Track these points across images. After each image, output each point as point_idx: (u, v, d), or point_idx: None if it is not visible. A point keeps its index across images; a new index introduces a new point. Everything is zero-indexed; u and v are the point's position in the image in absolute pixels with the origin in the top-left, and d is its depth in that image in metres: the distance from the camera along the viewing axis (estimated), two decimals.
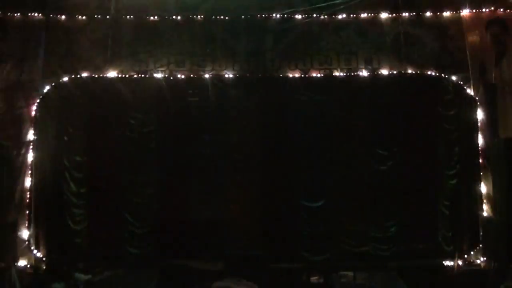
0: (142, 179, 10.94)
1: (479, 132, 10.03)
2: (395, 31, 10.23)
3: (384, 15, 10.27)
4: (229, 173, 11.02)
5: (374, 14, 10.24)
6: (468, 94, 10.15)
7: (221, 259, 10.19)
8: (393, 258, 10.48)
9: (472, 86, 10.12)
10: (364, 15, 10.23)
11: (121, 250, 10.74)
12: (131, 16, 10.24)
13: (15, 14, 10.13)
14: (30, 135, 10.03)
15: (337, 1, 10.03)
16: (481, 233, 9.93)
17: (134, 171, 10.95)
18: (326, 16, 10.22)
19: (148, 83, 10.42)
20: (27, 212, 9.91)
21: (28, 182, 9.93)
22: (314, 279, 10.16)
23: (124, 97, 10.58)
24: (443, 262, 10.11)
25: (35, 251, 9.92)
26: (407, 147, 10.77)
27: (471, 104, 10.13)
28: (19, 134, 9.98)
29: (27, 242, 9.88)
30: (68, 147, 10.72)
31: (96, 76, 10.24)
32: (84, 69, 10.18)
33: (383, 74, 10.24)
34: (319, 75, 10.33)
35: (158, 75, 10.29)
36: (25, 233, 9.84)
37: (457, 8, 10.20)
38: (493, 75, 10.07)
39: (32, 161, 10.01)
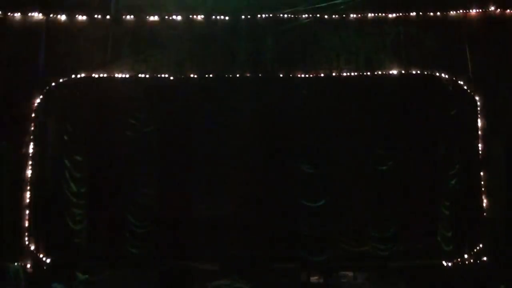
0: (142, 179, 10.95)
1: (479, 132, 10.02)
2: (395, 31, 10.22)
3: (384, 15, 10.26)
4: (229, 173, 11.03)
5: (374, 14, 10.23)
6: (468, 94, 10.14)
7: (221, 259, 10.20)
8: (393, 258, 10.49)
9: (472, 86, 10.10)
10: (364, 15, 10.22)
11: (121, 250, 10.75)
12: (131, 16, 10.23)
13: (15, 14, 10.12)
14: (30, 135, 10.00)
15: (337, 1, 10.02)
16: (481, 233, 9.92)
17: (134, 171, 10.96)
18: (326, 16, 10.20)
19: (148, 83, 10.41)
20: (27, 212, 9.89)
21: (28, 182, 9.91)
22: (314, 279, 10.16)
23: (124, 97, 10.59)
24: (443, 262, 10.10)
25: (35, 251, 9.90)
26: (407, 147, 10.78)
27: (471, 104, 10.12)
28: (19, 134, 9.96)
29: (27, 242, 9.87)
30: (68, 146, 10.72)
31: (96, 76, 10.23)
32: (84, 69, 10.16)
33: (383, 74, 10.23)
34: (319, 75, 10.31)
35: (158, 75, 10.27)
36: (25, 234, 9.81)
37: (457, 8, 10.19)
38: (493, 75, 10.06)
39: (32, 161, 9.99)
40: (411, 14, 10.23)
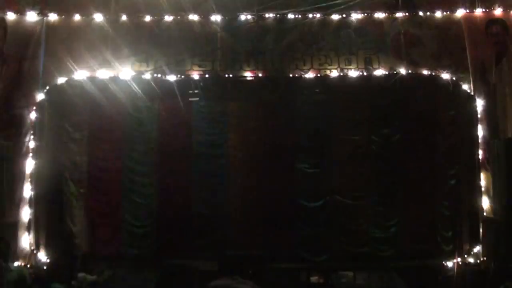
0: (142, 179, 10.96)
1: (479, 132, 10.02)
2: (395, 31, 10.22)
3: (384, 15, 10.25)
4: (229, 173, 11.03)
5: (374, 14, 10.23)
6: (468, 94, 10.14)
7: (221, 259, 10.19)
8: (393, 258, 10.50)
9: (472, 86, 10.10)
10: (364, 15, 10.22)
11: (121, 250, 10.76)
12: (131, 16, 10.22)
13: (15, 14, 10.11)
14: (30, 135, 10.00)
15: (337, 1, 10.01)
16: (481, 233, 9.92)
17: (133, 171, 10.96)
18: (326, 16, 10.20)
19: (148, 83, 10.40)
20: (27, 212, 9.88)
21: (28, 182, 9.90)
22: (314, 279, 10.15)
23: (124, 97, 10.58)
24: (443, 262, 10.11)
25: (35, 252, 9.90)
26: (406, 147, 10.78)
27: (471, 104, 10.12)
28: (19, 134, 9.95)
29: (27, 242, 9.86)
30: (68, 147, 10.73)
31: (96, 76, 10.22)
32: (84, 69, 10.16)
33: (383, 74, 10.23)
34: (319, 75, 10.31)
35: (158, 75, 10.27)
36: (25, 234, 9.80)
37: (457, 8, 10.18)
38: (493, 75, 10.05)
39: (32, 162, 9.98)
40: (411, 14, 10.22)
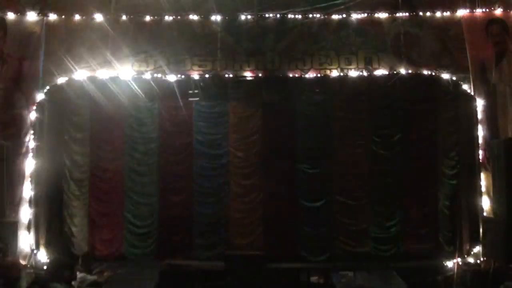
0: (143, 179, 10.96)
1: (479, 132, 10.02)
2: (395, 31, 10.21)
3: (384, 15, 10.25)
4: (229, 173, 11.03)
5: (374, 14, 10.22)
6: (468, 94, 10.14)
7: (221, 259, 10.20)
8: (393, 258, 10.49)
9: (472, 86, 10.10)
10: (364, 15, 10.21)
11: (122, 250, 10.76)
12: (131, 16, 10.22)
13: (15, 14, 10.11)
14: (30, 135, 10.00)
15: (337, 1, 10.01)
16: (481, 233, 9.92)
17: (134, 171, 10.97)
18: (326, 16, 10.20)
19: (148, 83, 10.41)
20: (28, 212, 9.88)
21: (28, 182, 9.90)
22: (314, 279, 10.15)
23: (124, 97, 10.58)
24: (443, 262, 10.11)
25: (35, 251, 9.90)
26: (407, 147, 10.79)
27: (471, 104, 10.12)
28: (19, 134, 9.95)
29: (27, 242, 9.86)
30: (68, 147, 10.73)
31: (96, 76, 10.22)
32: (84, 69, 10.16)
33: (383, 74, 10.23)
34: (319, 75, 10.32)
35: (158, 75, 10.27)
36: (25, 233, 9.80)
37: (457, 8, 10.18)
38: (493, 75, 10.05)
39: (32, 161, 9.98)
40: (411, 14, 10.22)
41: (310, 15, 10.20)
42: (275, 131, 10.99)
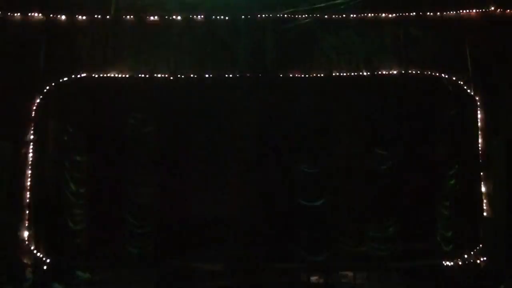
0: (142, 179, 10.95)
1: (479, 132, 10.02)
2: (395, 31, 10.22)
3: (384, 15, 10.26)
4: (229, 172, 11.02)
5: (374, 14, 10.23)
6: (468, 94, 10.14)
7: (221, 259, 10.20)
8: (393, 258, 10.48)
9: (472, 86, 10.10)
10: (364, 15, 10.22)
11: (121, 250, 10.75)
12: (131, 16, 10.22)
13: (15, 14, 10.11)
14: (30, 135, 10.00)
15: (337, 1, 10.02)
16: (481, 233, 9.92)
17: (134, 171, 10.96)
18: (326, 16, 10.20)
19: (148, 83, 10.41)
20: (27, 212, 9.89)
21: (28, 182, 9.91)
22: (314, 279, 10.16)
23: (124, 97, 10.58)
24: (443, 262, 10.11)
25: (35, 251, 9.90)
26: (406, 147, 10.78)
27: (471, 104, 10.13)
28: (19, 134, 9.96)
29: (27, 242, 9.87)
30: (68, 147, 10.73)
31: (96, 76, 10.23)
32: (84, 69, 10.16)
33: (383, 74, 10.23)
34: (319, 75, 10.31)
35: (158, 75, 10.27)
36: (25, 233, 9.81)
37: (457, 8, 10.19)
38: (493, 75, 10.05)
39: (32, 161, 9.99)
40: (411, 14, 10.22)
41: (310, 15, 10.21)
42: (275, 131, 10.98)
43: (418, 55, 10.20)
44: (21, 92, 10.03)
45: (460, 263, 10.01)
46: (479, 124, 10.03)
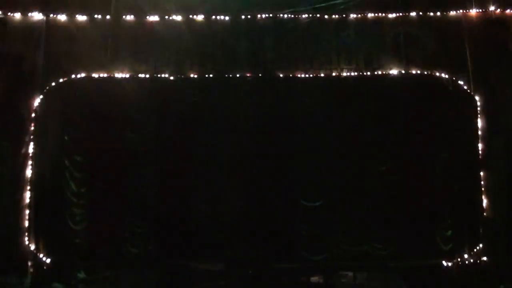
0: (142, 179, 10.94)
1: (479, 132, 10.02)
2: (395, 31, 10.22)
3: (384, 15, 10.26)
4: (229, 173, 11.02)
5: (374, 14, 10.23)
6: (467, 94, 10.14)
7: (221, 259, 10.19)
8: (393, 258, 10.47)
9: (471, 86, 10.11)
10: (364, 15, 10.22)
11: (121, 250, 10.75)
12: (131, 16, 10.23)
13: (15, 14, 10.12)
14: (30, 135, 10.00)
15: (337, 1, 10.02)
16: (481, 233, 9.92)
17: (134, 171, 10.95)
18: (326, 16, 10.20)
19: (148, 83, 10.40)
20: (27, 212, 9.89)
21: (28, 182, 9.90)
22: (314, 279, 10.16)
23: (124, 97, 10.57)
24: (443, 262, 10.11)
25: (35, 251, 9.90)
26: (406, 147, 10.78)
27: (470, 104, 10.12)
28: (19, 134, 9.96)
29: (27, 242, 9.87)
30: (68, 146, 10.73)
31: (96, 76, 10.23)
32: (84, 69, 10.16)
33: (383, 74, 10.23)
34: (319, 75, 10.30)
35: (158, 75, 10.27)
36: (25, 234, 9.81)
37: (457, 8, 10.19)
38: (492, 75, 10.06)
39: (32, 161, 9.99)
40: (411, 14, 10.23)
41: (310, 15, 10.21)
42: (274, 131, 10.98)
43: (418, 55, 10.21)
44: (21, 92, 10.02)
45: (460, 263, 10.01)
46: (479, 124, 10.03)
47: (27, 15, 10.12)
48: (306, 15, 10.23)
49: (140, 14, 10.23)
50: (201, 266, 10.23)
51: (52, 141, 10.41)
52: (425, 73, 10.19)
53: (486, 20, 10.16)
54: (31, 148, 10.00)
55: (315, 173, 10.86)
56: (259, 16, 10.29)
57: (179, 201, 10.95)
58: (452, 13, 10.22)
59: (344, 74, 10.32)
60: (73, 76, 10.17)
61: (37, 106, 10.10)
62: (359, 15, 10.22)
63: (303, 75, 10.32)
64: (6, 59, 10.03)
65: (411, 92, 10.58)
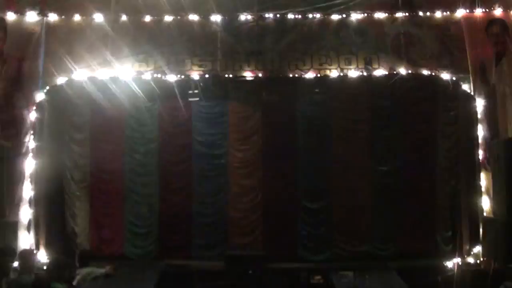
0: (143, 179, 10.97)
1: (479, 132, 10.02)
2: (395, 31, 10.21)
3: (384, 15, 10.25)
4: (229, 173, 11.03)
5: (374, 14, 10.22)
6: (468, 94, 10.14)
7: (221, 259, 10.21)
8: (393, 258, 10.49)
9: (472, 86, 10.10)
10: (364, 15, 10.21)
11: (122, 249, 10.77)
12: (131, 16, 10.21)
13: (15, 14, 10.11)
14: (30, 135, 10.00)
15: (337, 1, 10.01)
16: (481, 233, 9.92)
17: (134, 171, 10.97)
18: (326, 16, 10.19)
19: (148, 83, 10.40)
20: (28, 212, 9.88)
21: (28, 182, 9.90)
22: (314, 279, 10.15)
23: (124, 98, 10.57)
24: (443, 262, 10.11)
25: (35, 251, 9.90)
26: (406, 147, 10.79)
27: (471, 104, 10.12)
28: (19, 134, 9.95)
29: (27, 243, 9.87)
30: (68, 147, 10.74)
31: (96, 76, 10.22)
32: (84, 69, 10.15)
33: (383, 74, 10.22)
34: (319, 75, 10.31)
35: (158, 75, 10.27)
36: (25, 233, 9.81)
37: (457, 8, 10.18)
38: (493, 75, 10.04)
39: (32, 162, 9.98)
40: (411, 14, 10.21)
41: (310, 15, 10.20)
42: (275, 131, 10.99)
43: (418, 55, 10.19)
44: (21, 92, 10.01)
45: (460, 263, 10.00)
46: (479, 124, 10.02)
47: (27, 16, 10.11)
48: (306, 15, 10.21)
49: (140, 14, 10.22)
50: (201, 266, 10.24)
51: (52, 141, 10.41)
52: (425, 73, 10.17)
53: (486, 20, 10.14)
54: (31, 149, 9.98)
55: (316, 174, 10.88)
56: (259, 16, 10.27)
57: (180, 200, 10.98)
58: (452, 13, 10.20)
59: (344, 74, 10.30)
60: (73, 76, 10.16)
61: (37, 107, 10.08)
62: (359, 15, 10.21)
63: (303, 75, 10.32)
64: (6, 59, 10.01)
65: (411, 92, 10.59)
